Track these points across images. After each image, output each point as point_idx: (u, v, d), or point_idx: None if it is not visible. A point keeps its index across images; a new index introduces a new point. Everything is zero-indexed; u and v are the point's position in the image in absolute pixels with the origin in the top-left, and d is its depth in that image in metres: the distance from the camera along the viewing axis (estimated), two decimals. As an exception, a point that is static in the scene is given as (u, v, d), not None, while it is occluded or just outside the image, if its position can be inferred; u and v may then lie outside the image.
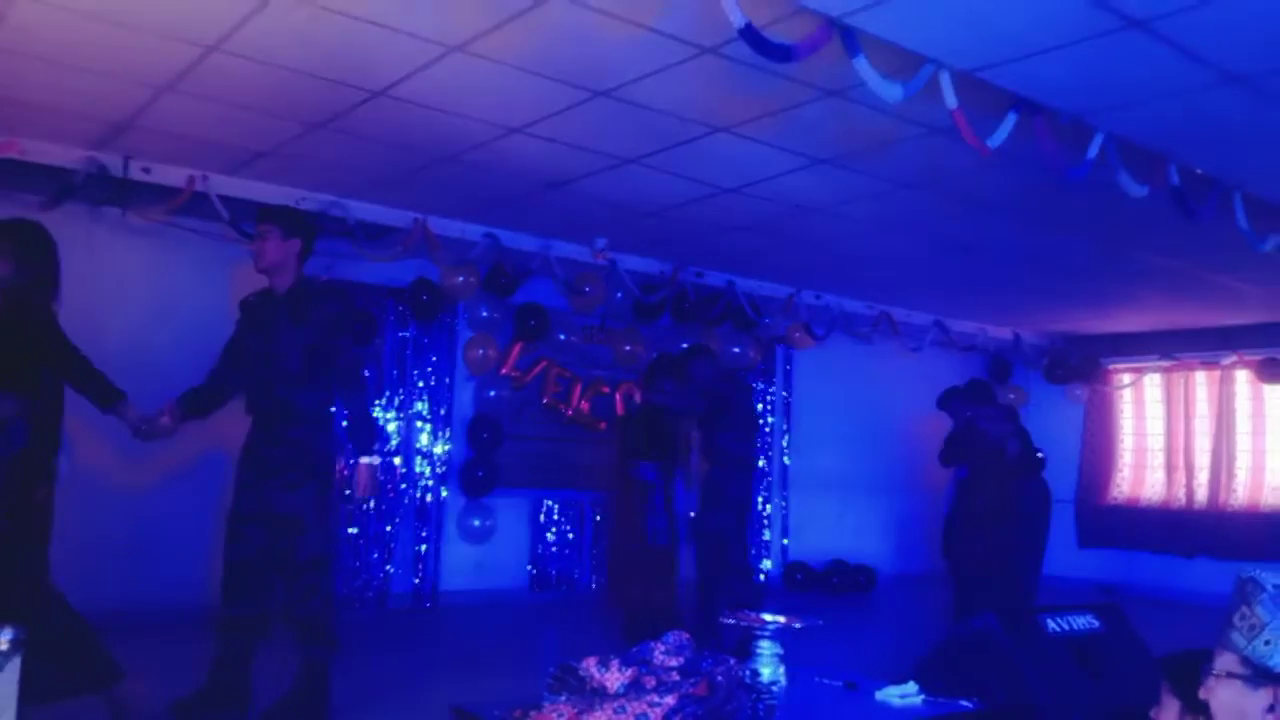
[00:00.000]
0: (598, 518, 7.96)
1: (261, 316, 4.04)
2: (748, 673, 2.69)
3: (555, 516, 7.77)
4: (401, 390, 7.01)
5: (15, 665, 2.04)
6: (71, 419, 3.63)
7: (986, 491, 6.50)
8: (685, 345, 6.96)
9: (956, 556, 6.70)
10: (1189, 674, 1.37)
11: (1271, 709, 1.20)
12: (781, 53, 3.09)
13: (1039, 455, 6.95)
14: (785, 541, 9.03)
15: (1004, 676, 3.42)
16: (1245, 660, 1.22)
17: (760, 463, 8.58)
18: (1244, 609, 1.25)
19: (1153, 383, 10.17)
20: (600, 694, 2.49)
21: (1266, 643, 1.20)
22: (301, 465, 3.96)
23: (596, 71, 4.06)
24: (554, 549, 7.73)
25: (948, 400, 7.06)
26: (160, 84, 4.36)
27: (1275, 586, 1.24)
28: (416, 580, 6.99)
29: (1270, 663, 1.20)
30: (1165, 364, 9.94)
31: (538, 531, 7.67)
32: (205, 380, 4.07)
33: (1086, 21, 3.26)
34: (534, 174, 5.50)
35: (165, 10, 3.64)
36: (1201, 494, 9.51)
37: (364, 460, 4.11)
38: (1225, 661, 1.25)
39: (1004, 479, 6.59)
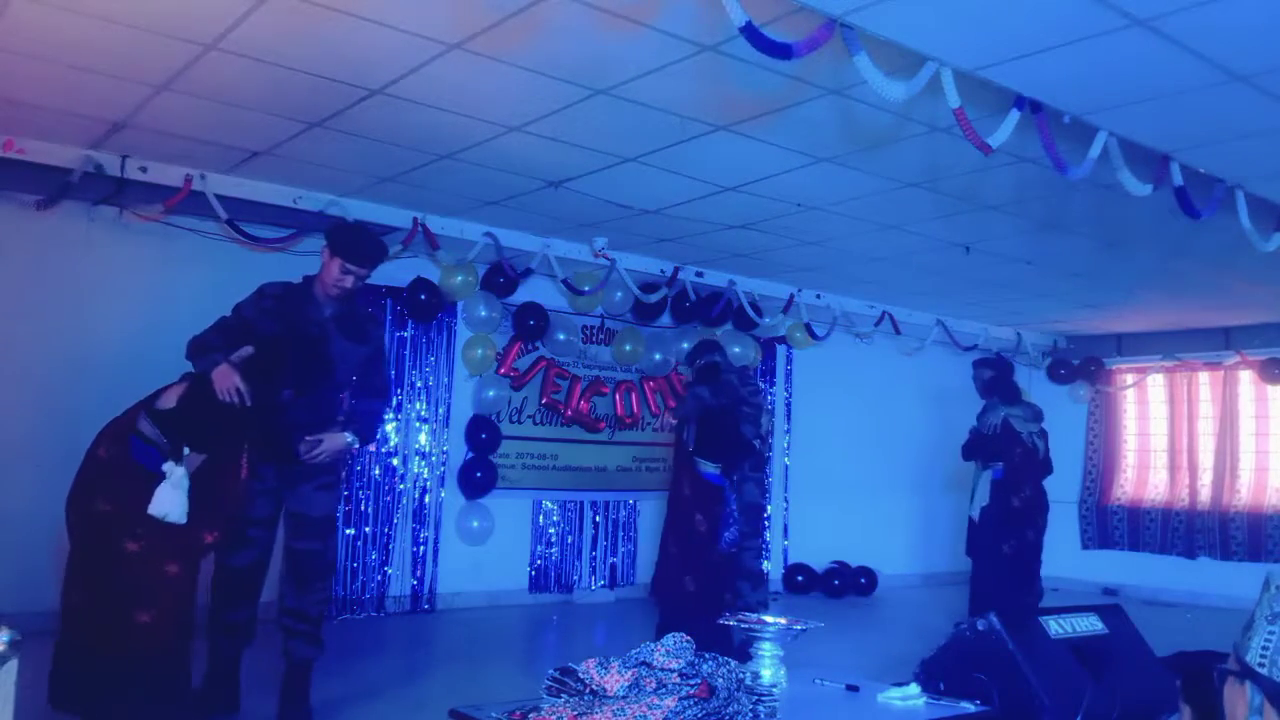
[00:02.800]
0: (597, 519, 7.95)
1: (305, 323, 3.94)
2: (749, 675, 2.66)
3: (555, 518, 7.75)
4: (400, 390, 6.99)
5: (13, 666, 2.01)
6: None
7: (1022, 492, 6.50)
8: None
9: (985, 556, 6.67)
10: (1199, 677, 1.35)
11: (1250, 704, 1.19)
12: (782, 51, 3.06)
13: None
14: (786, 543, 9.01)
15: (1007, 678, 3.40)
16: (1237, 656, 1.23)
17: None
18: (1254, 610, 1.26)
19: (1156, 383, 10.15)
20: (600, 696, 2.46)
21: (1249, 638, 1.21)
22: (333, 469, 4.08)
23: (596, 69, 4.03)
24: (553, 550, 7.71)
25: (982, 372, 7.03)
26: (157, 82, 4.33)
27: (1278, 588, 1.24)
28: (414, 582, 6.97)
29: (1247, 657, 1.20)
30: (1168, 364, 9.92)
31: (537, 533, 7.65)
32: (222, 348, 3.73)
33: (1089, 20, 3.23)
34: (533, 172, 5.48)
35: (162, 8, 3.61)
36: (1205, 495, 9.48)
37: (350, 439, 4.02)
38: (1231, 660, 1.25)
39: (1038, 479, 6.59)
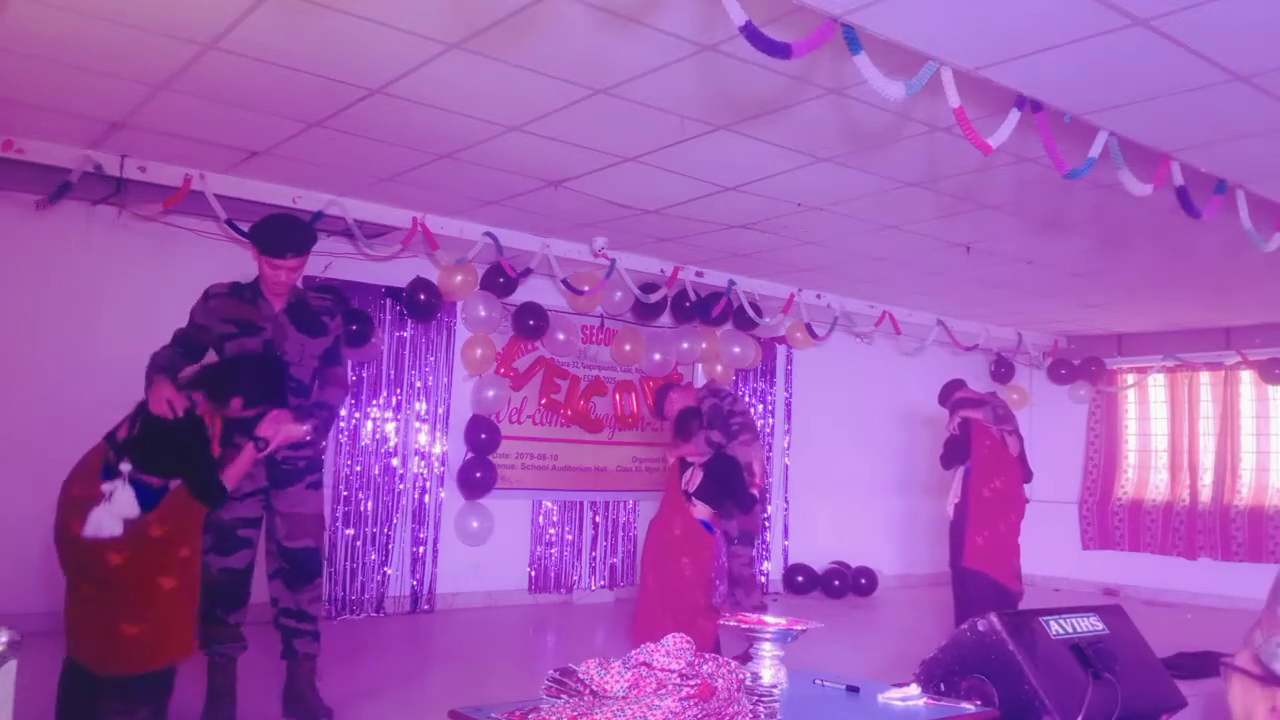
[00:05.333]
0: (596, 519, 7.95)
1: (258, 319, 3.94)
2: (749, 676, 2.66)
3: (554, 518, 7.75)
4: (399, 390, 6.98)
5: (12, 666, 2.00)
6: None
7: (991, 483, 6.46)
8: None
9: (957, 552, 6.64)
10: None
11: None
12: (782, 50, 3.06)
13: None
14: (786, 543, 9.00)
15: (1007, 679, 3.39)
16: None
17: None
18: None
19: (1157, 383, 10.15)
20: (600, 697, 2.45)
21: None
22: (318, 468, 4.10)
23: (596, 69, 4.03)
24: (553, 550, 7.71)
25: (948, 395, 6.99)
26: (157, 82, 4.33)
27: None
28: (414, 582, 6.96)
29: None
30: (1169, 364, 9.92)
31: (536, 533, 7.64)
32: (182, 360, 3.74)
33: (1089, 19, 3.23)
34: (533, 172, 5.47)
35: (162, 8, 3.61)
36: (1206, 495, 9.47)
37: (305, 429, 3.91)
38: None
39: (1012, 474, 6.55)
